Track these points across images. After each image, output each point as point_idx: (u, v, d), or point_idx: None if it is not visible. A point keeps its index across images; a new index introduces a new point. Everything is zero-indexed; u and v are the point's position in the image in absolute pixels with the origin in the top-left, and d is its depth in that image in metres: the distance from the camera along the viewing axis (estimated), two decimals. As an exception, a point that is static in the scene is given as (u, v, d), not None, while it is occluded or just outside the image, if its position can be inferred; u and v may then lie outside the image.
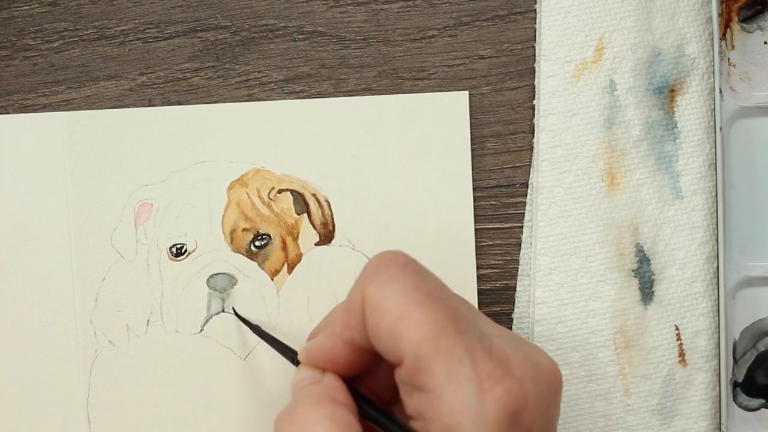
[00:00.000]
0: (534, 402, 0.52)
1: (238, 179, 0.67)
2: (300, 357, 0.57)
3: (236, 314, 0.67)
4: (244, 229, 0.67)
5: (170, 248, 0.67)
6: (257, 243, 0.67)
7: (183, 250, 0.67)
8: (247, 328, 0.66)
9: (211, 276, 0.67)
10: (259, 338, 0.66)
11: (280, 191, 0.67)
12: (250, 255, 0.67)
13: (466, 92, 0.68)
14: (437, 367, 0.51)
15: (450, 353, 0.51)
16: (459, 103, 0.68)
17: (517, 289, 0.68)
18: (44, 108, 0.68)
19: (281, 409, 0.55)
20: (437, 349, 0.51)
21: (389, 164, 0.68)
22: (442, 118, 0.68)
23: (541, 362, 0.54)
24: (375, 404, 0.56)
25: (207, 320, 0.67)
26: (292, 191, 0.67)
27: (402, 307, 0.52)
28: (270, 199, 0.67)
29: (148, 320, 0.67)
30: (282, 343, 0.63)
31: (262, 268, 0.67)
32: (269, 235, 0.67)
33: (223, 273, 0.67)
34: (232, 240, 0.67)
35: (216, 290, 0.67)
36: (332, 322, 0.57)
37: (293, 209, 0.67)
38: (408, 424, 0.54)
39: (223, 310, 0.67)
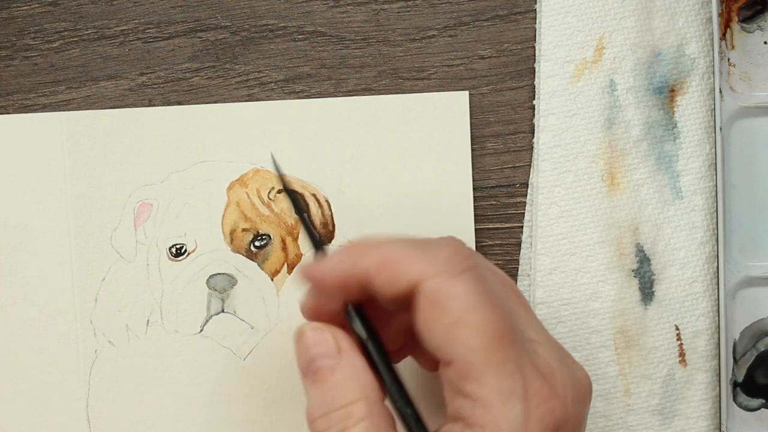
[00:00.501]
0: (573, 423, 0.52)
1: (238, 179, 0.67)
2: (301, 265, 0.57)
3: (273, 160, 0.66)
4: (243, 230, 0.67)
5: (170, 248, 0.67)
6: (257, 243, 0.67)
7: (183, 251, 0.67)
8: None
9: (211, 276, 0.67)
10: (260, 332, 0.66)
11: (279, 191, 0.67)
12: (250, 255, 0.67)
13: (466, 92, 0.68)
14: (488, 378, 0.51)
15: (503, 366, 0.51)
16: (459, 103, 0.68)
17: (518, 289, 0.68)
18: (44, 108, 0.68)
19: (311, 409, 0.54)
20: (491, 360, 0.51)
21: (389, 164, 0.68)
22: (442, 118, 0.68)
23: (581, 379, 0.54)
24: (402, 390, 0.55)
25: (207, 320, 0.67)
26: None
27: (463, 310, 0.51)
28: (270, 199, 0.67)
29: (148, 320, 0.67)
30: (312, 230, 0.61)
31: (262, 269, 0.67)
32: (269, 236, 0.67)
33: (223, 273, 0.67)
34: (231, 240, 0.67)
35: (216, 290, 0.67)
36: (361, 250, 0.54)
37: (293, 209, 0.67)
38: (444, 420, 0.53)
39: (222, 311, 0.67)
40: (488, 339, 0.51)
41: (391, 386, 0.54)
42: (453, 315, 0.51)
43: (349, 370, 0.53)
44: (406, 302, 0.53)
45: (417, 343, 0.54)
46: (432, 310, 0.52)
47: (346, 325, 0.55)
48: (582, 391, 0.54)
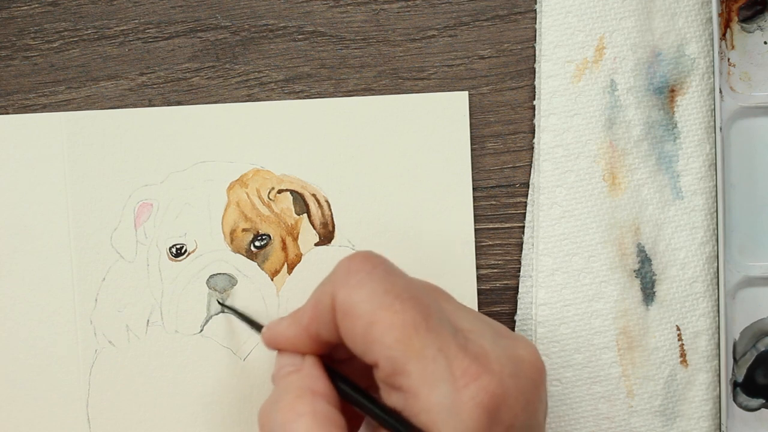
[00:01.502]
0: (514, 397, 0.52)
1: (238, 179, 0.67)
2: (263, 338, 0.58)
3: (220, 303, 0.67)
4: (243, 230, 0.67)
5: (170, 248, 0.67)
6: (257, 243, 0.67)
7: (183, 251, 0.67)
8: (235, 318, 0.67)
9: (211, 276, 0.67)
10: (256, 335, 0.66)
11: (279, 191, 0.67)
12: (250, 255, 0.67)
13: (466, 92, 0.68)
14: (411, 367, 0.51)
15: (422, 353, 0.51)
16: (459, 103, 0.68)
17: (520, 290, 0.68)
18: (44, 108, 0.68)
19: (264, 402, 0.55)
20: (409, 350, 0.51)
21: (389, 164, 0.68)
22: (442, 118, 0.68)
23: (522, 356, 0.54)
24: (355, 386, 0.57)
25: (207, 320, 0.67)
26: (292, 191, 0.67)
27: (372, 312, 0.52)
28: (270, 199, 0.67)
29: (148, 320, 0.67)
30: (252, 319, 0.65)
31: (262, 269, 0.67)
32: (269, 236, 0.67)
33: (223, 273, 0.67)
34: (231, 240, 0.67)
35: (216, 290, 0.67)
36: (300, 313, 0.57)
37: (293, 209, 0.67)
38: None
39: (223, 311, 0.67)
40: (403, 331, 0.52)
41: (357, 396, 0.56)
42: (365, 318, 0.53)
43: (301, 377, 0.56)
44: None
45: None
46: (347, 320, 0.53)
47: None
48: (523, 368, 0.54)
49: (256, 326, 0.63)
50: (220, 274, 0.67)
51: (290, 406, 0.53)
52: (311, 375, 0.56)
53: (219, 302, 0.67)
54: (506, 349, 0.54)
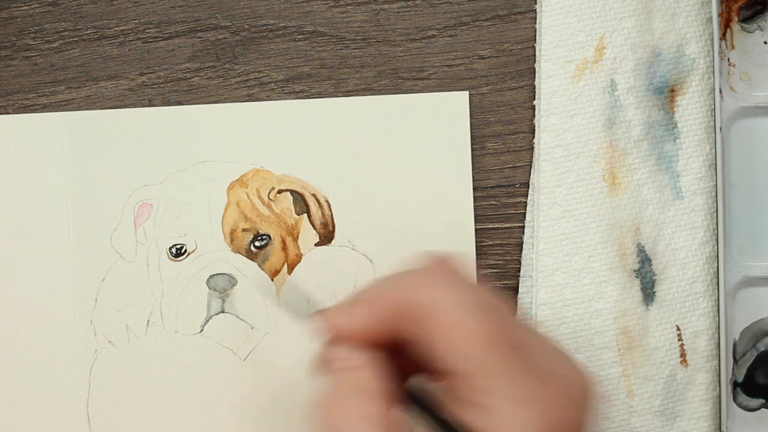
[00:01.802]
0: (578, 421, 0.53)
1: (238, 179, 0.67)
2: (323, 319, 0.54)
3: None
4: (243, 230, 0.67)
5: (170, 248, 0.67)
6: (257, 243, 0.67)
7: (183, 251, 0.67)
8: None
9: (211, 276, 0.67)
10: (260, 332, 0.66)
11: (279, 191, 0.68)
12: (250, 255, 0.67)
13: (466, 92, 0.68)
14: (493, 384, 0.51)
15: (508, 370, 0.51)
16: (459, 103, 0.68)
17: (520, 290, 0.68)
18: (44, 108, 0.68)
19: (320, 395, 0.53)
20: (494, 367, 0.51)
21: (389, 164, 0.68)
22: (442, 118, 0.68)
23: (583, 380, 0.54)
24: (421, 390, 0.55)
25: (207, 320, 0.67)
26: (292, 191, 0.68)
27: (456, 321, 0.51)
28: (270, 199, 0.67)
29: (148, 320, 0.67)
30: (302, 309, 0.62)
31: (262, 269, 0.67)
32: (269, 236, 0.67)
33: (223, 273, 0.67)
34: (231, 240, 0.67)
35: (216, 290, 0.67)
36: (376, 305, 0.54)
37: (293, 209, 0.68)
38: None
39: (223, 311, 0.67)
40: (487, 347, 0.51)
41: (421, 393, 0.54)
42: (449, 327, 0.51)
43: (360, 374, 0.53)
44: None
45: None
46: (429, 324, 0.52)
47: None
48: (583, 392, 0.54)
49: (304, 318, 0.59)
50: (220, 274, 0.67)
51: (357, 409, 0.52)
52: (374, 375, 0.53)
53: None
54: (568, 371, 0.54)
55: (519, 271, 0.68)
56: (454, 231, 0.68)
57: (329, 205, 0.68)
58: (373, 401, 0.52)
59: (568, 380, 0.53)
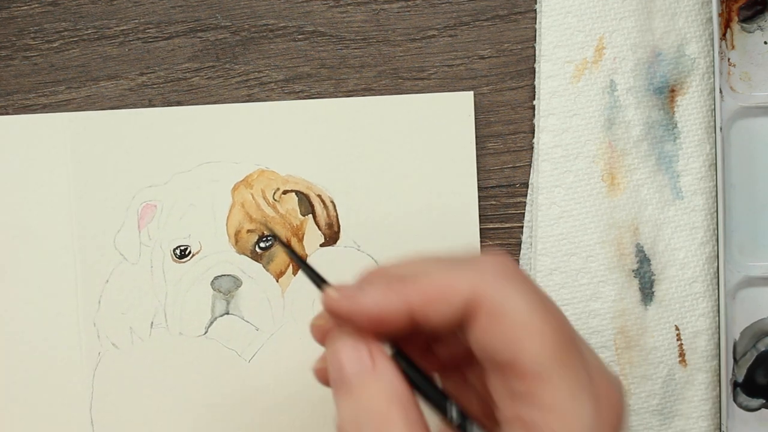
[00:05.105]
0: (624, 425, 0.53)
1: (243, 180, 0.68)
2: (330, 299, 0.52)
3: (278, 240, 0.67)
4: (248, 231, 0.67)
5: (174, 250, 0.68)
6: (262, 244, 0.68)
7: (187, 252, 0.67)
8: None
9: (216, 278, 0.67)
10: (265, 333, 0.66)
11: (285, 192, 0.68)
12: (255, 256, 0.68)
13: (471, 92, 0.68)
14: (557, 380, 0.50)
15: (572, 368, 0.50)
16: (463, 103, 0.68)
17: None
18: (44, 108, 0.68)
19: (343, 404, 0.51)
20: (559, 363, 0.50)
21: (394, 165, 0.68)
22: (446, 119, 0.68)
23: (620, 383, 0.54)
24: (430, 381, 0.54)
25: (211, 322, 0.68)
26: (297, 192, 0.68)
27: (525, 317, 0.50)
28: (275, 200, 0.68)
29: (152, 322, 0.67)
30: (315, 271, 0.56)
31: (267, 270, 0.68)
32: (274, 236, 0.68)
33: (228, 275, 0.67)
34: (236, 241, 0.68)
35: (220, 292, 0.68)
36: (403, 286, 0.52)
37: (298, 210, 0.68)
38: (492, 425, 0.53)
39: (227, 312, 0.68)
40: (555, 342, 0.50)
41: (431, 392, 0.53)
42: (517, 322, 0.50)
43: (383, 381, 0.51)
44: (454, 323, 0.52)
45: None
46: (493, 319, 0.51)
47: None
48: (622, 394, 0.53)
49: (318, 280, 0.55)
50: (224, 275, 0.67)
51: (384, 416, 0.50)
52: (393, 376, 0.52)
53: (274, 236, 0.66)
54: (613, 373, 0.54)
55: (518, 271, 0.69)
56: (459, 232, 0.68)
57: (334, 206, 0.68)
58: (402, 407, 0.51)
59: (612, 381, 0.53)
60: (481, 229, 0.69)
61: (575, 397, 0.50)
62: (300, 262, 0.56)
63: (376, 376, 0.51)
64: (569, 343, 0.51)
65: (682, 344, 0.68)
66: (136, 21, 0.68)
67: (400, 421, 0.50)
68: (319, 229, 0.68)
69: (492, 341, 0.51)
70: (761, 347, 0.69)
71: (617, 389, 0.53)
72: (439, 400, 0.53)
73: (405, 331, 0.52)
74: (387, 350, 0.52)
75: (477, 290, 0.51)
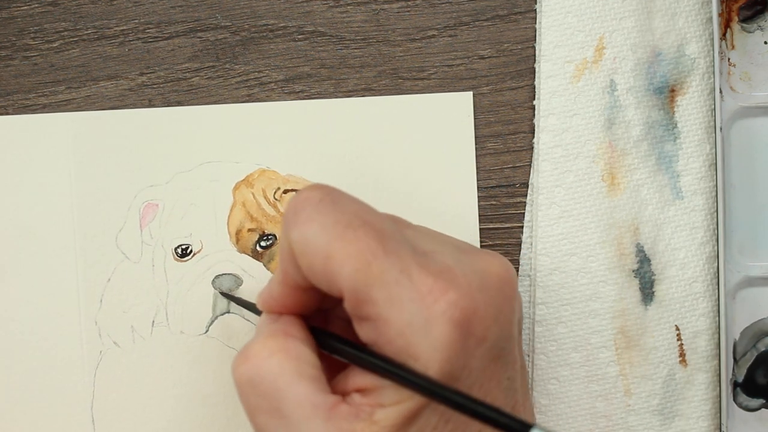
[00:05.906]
0: (484, 310, 0.52)
1: (244, 180, 0.68)
2: (257, 305, 0.58)
3: (221, 293, 0.68)
4: (249, 230, 0.67)
5: (175, 249, 0.67)
6: (263, 243, 0.67)
7: (188, 251, 0.67)
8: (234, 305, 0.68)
9: (217, 276, 0.67)
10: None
11: (285, 191, 0.68)
12: (256, 255, 0.67)
13: (470, 93, 0.68)
14: (375, 294, 0.51)
15: (384, 278, 0.51)
16: (463, 103, 0.68)
17: (518, 290, 0.68)
18: (44, 108, 0.68)
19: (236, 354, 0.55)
20: (370, 278, 0.51)
21: (394, 165, 0.68)
22: (446, 119, 0.68)
23: (489, 269, 0.54)
24: (333, 334, 0.56)
25: (212, 321, 0.67)
26: (298, 191, 0.67)
27: (326, 245, 0.52)
28: (276, 199, 0.68)
29: (153, 321, 0.67)
30: (248, 302, 0.65)
31: (268, 269, 0.68)
32: (275, 236, 0.68)
33: (229, 273, 0.67)
34: (237, 240, 0.67)
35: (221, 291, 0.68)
36: (276, 270, 0.57)
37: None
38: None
39: (228, 311, 0.68)
40: (360, 259, 0.51)
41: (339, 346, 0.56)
42: (321, 253, 0.52)
43: (280, 321, 0.57)
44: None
45: None
46: (304, 258, 0.53)
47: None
48: (491, 280, 0.54)
49: (255, 308, 0.61)
50: (225, 274, 0.67)
51: (261, 346, 0.54)
52: (286, 321, 0.56)
53: (221, 293, 0.67)
54: (472, 264, 0.54)
55: (517, 271, 0.68)
56: (459, 232, 0.68)
57: (335, 205, 0.68)
58: (283, 338, 0.54)
59: (475, 269, 0.54)
60: (481, 229, 0.69)
61: (395, 303, 0.51)
62: (233, 299, 0.67)
63: (275, 322, 0.56)
64: (378, 252, 0.52)
65: (682, 344, 0.68)
66: (136, 21, 0.68)
67: (279, 350, 0.54)
68: (320, 228, 0.68)
69: (315, 278, 0.53)
70: (761, 347, 0.69)
71: (461, 278, 0.53)
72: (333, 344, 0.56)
73: (325, 300, 0.56)
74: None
75: (287, 238, 0.54)
